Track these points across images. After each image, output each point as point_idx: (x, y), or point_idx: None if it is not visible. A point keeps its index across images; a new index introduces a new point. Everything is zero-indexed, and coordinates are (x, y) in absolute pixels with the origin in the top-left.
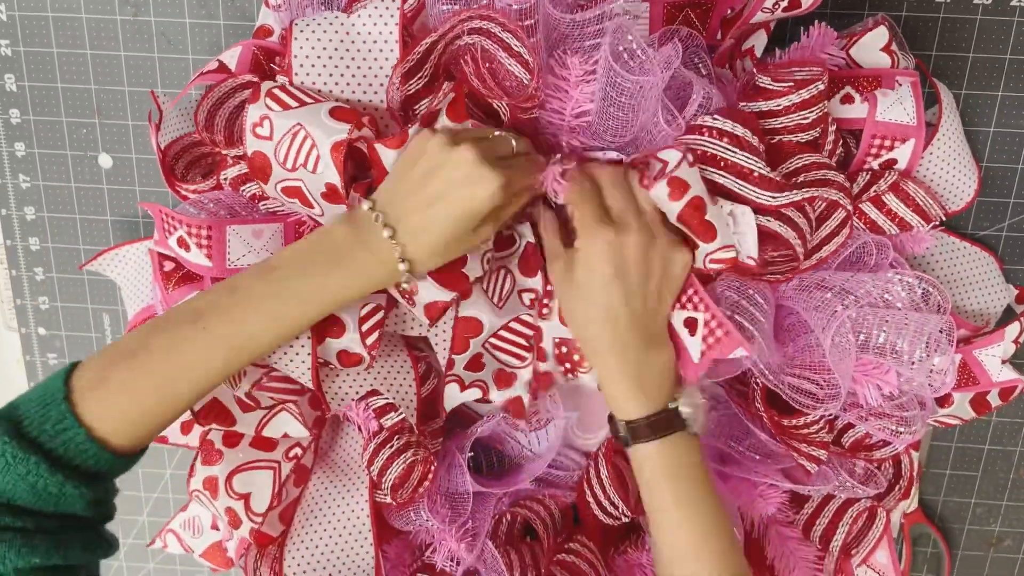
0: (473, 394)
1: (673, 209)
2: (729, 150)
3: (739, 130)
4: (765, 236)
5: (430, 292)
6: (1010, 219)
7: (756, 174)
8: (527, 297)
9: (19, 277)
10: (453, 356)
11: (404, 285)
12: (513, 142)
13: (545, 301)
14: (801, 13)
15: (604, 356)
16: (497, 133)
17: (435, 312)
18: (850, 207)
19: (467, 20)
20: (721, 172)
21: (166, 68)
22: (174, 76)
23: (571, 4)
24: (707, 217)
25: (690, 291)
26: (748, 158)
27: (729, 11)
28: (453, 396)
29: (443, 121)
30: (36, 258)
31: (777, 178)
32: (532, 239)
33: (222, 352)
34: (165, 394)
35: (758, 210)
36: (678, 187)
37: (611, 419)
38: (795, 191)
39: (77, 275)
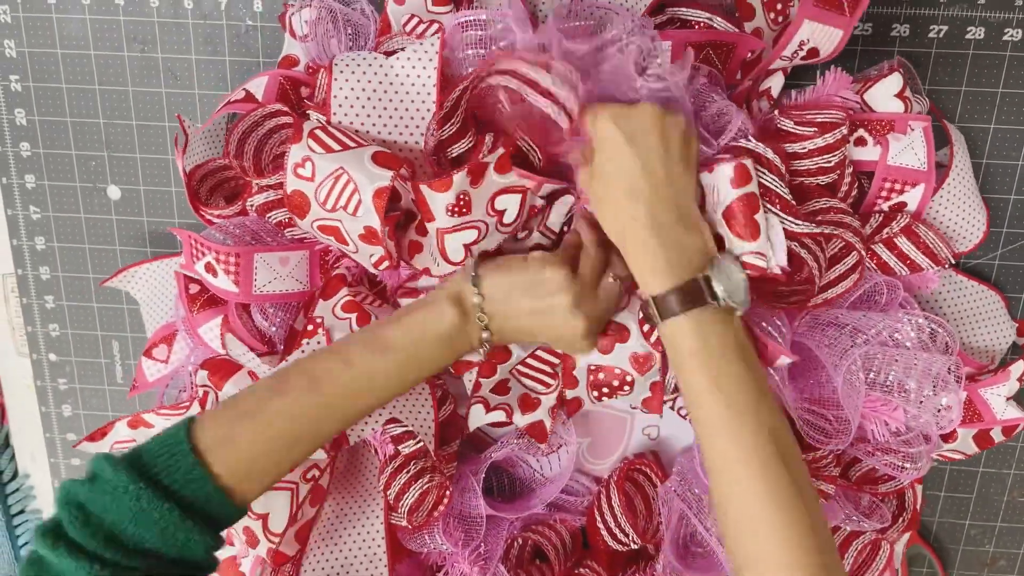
0: (497, 416)
1: (728, 196)
2: (759, 170)
3: (770, 154)
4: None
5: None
6: (1002, 248)
7: (782, 198)
8: None
9: (30, 305)
10: (480, 379)
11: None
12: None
13: None
14: (819, 62)
15: (632, 233)
16: (611, 280)
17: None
18: (864, 252)
19: (495, 63)
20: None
21: (173, 102)
22: (181, 110)
23: (585, 34)
24: (756, 216)
25: None
26: (776, 182)
27: (750, 53)
28: (478, 416)
29: (491, 176)
30: (47, 287)
31: (792, 202)
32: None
33: (339, 422)
34: (285, 455)
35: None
36: (743, 175)
37: (643, 306)
38: (815, 224)
39: (87, 303)
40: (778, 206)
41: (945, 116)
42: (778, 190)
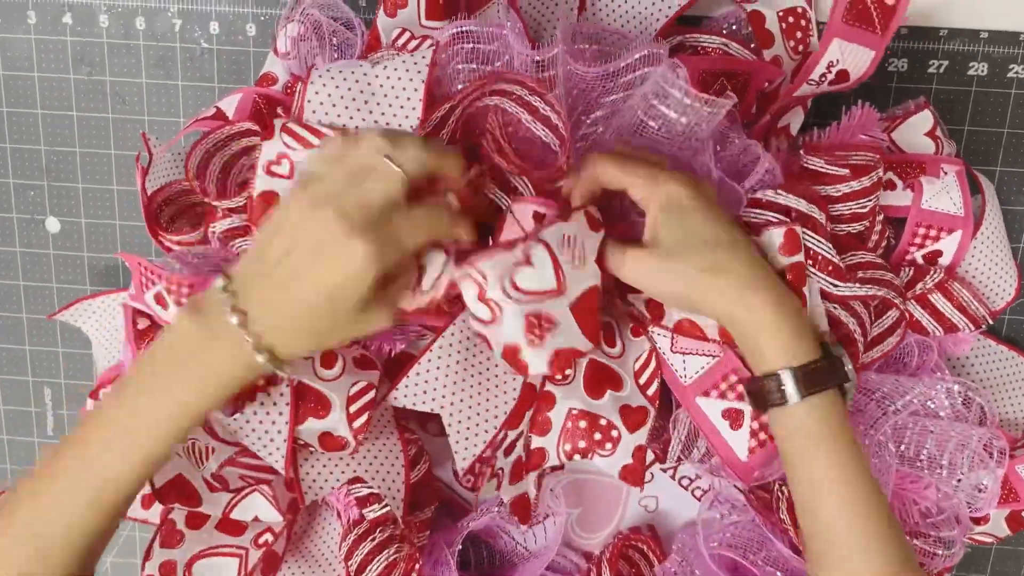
0: (491, 484)
1: (776, 264)
2: (805, 233)
3: (814, 211)
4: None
5: (566, 335)
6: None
7: (823, 258)
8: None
9: None
10: (509, 431)
11: (281, 373)
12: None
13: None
14: (848, 88)
15: (749, 299)
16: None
17: (561, 363)
18: (905, 311)
19: (491, 82)
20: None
21: (120, 128)
22: (128, 136)
23: (591, 58)
24: (804, 289)
25: (731, 377)
26: (818, 241)
27: (766, 84)
28: (488, 487)
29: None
30: None
31: (842, 266)
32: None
33: (84, 498)
34: (39, 547)
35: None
36: (793, 243)
37: (754, 383)
38: (857, 285)
39: (19, 346)
40: (824, 271)
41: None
42: (827, 254)
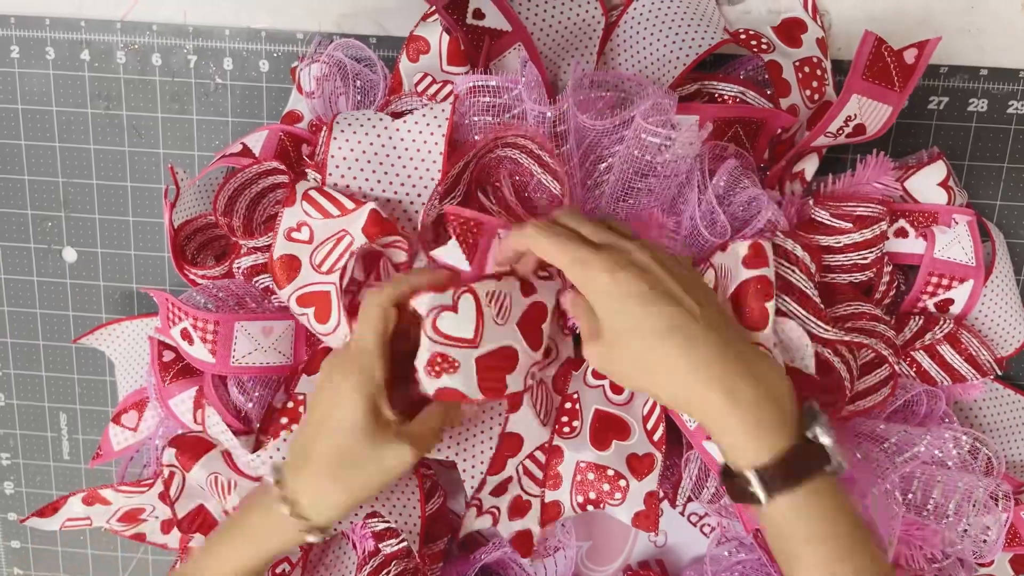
0: (485, 521)
1: (739, 276)
2: (787, 267)
3: (799, 251)
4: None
5: (462, 379)
6: None
7: (810, 299)
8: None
9: None
10: (488, 477)
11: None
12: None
13: (567, 419)
14: (865, 140)
15: (695, 391)
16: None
17: (450, 397)
18: (896, 365)
19: (502, 137)
20: (778, 292)
21: (136, 162)
22: (144, 169)
23: (600, 110)
24: (767, 304)
25: None
26: (804, 280)
27: (779, 130)
28: (469, 522)
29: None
30: None
31: (823, 308)
32: (571, 354)
33: None
34: None
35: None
36: (759, 255)
37: (726, 474)
38: (843, 331)
39: (35, 372)
40: (806, 308)
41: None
42: (806, 289)
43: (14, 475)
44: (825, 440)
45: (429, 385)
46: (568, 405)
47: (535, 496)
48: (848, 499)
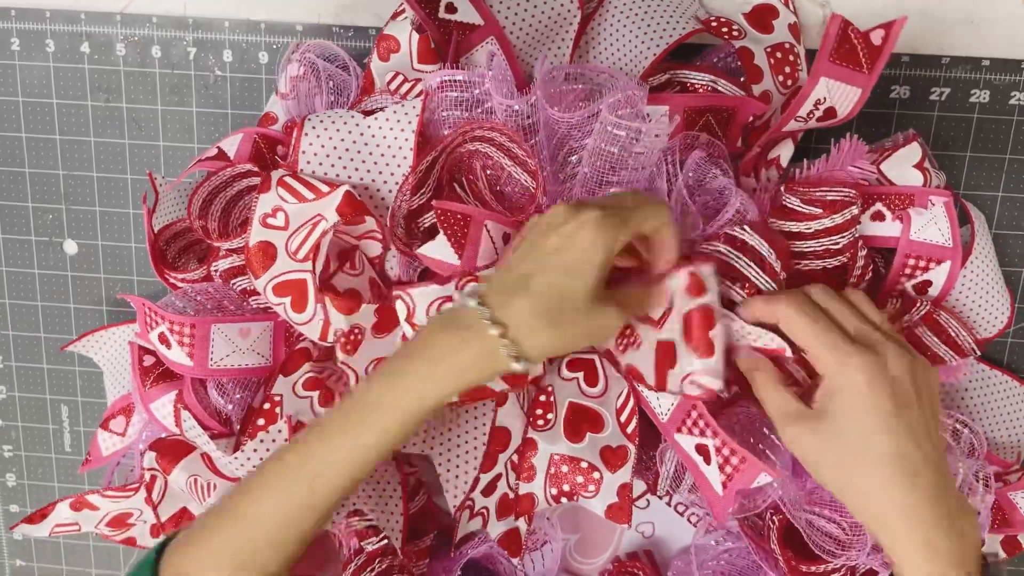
0: (476, 523)
1: (685, 305)
2: (750, 267)
3: (764, 248)
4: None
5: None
6: (1015, 325)
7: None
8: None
9: None
10: (480, 475)
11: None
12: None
13: (541, 412)
14: (835, 124)
15: (895, 525)
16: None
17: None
18: None
19: (470, 131)
20: (736, 288)
21: (136, 154)
22: (144, 162)
23: (572, 103)
24: (711, 333)
25: (693, 413)
26: (767, 282)
27: (751, 118)
28: (464, 524)
29: None
30: None
31: None
32: None
33: (297, 501)
34: (246, 545)
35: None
36: (697, 285)
37: None
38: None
39: (36, 364)
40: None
41: (951, 184)
42: (763, 286)
43: (16, 467)
44: None
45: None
46: (543, 398)
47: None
48: None
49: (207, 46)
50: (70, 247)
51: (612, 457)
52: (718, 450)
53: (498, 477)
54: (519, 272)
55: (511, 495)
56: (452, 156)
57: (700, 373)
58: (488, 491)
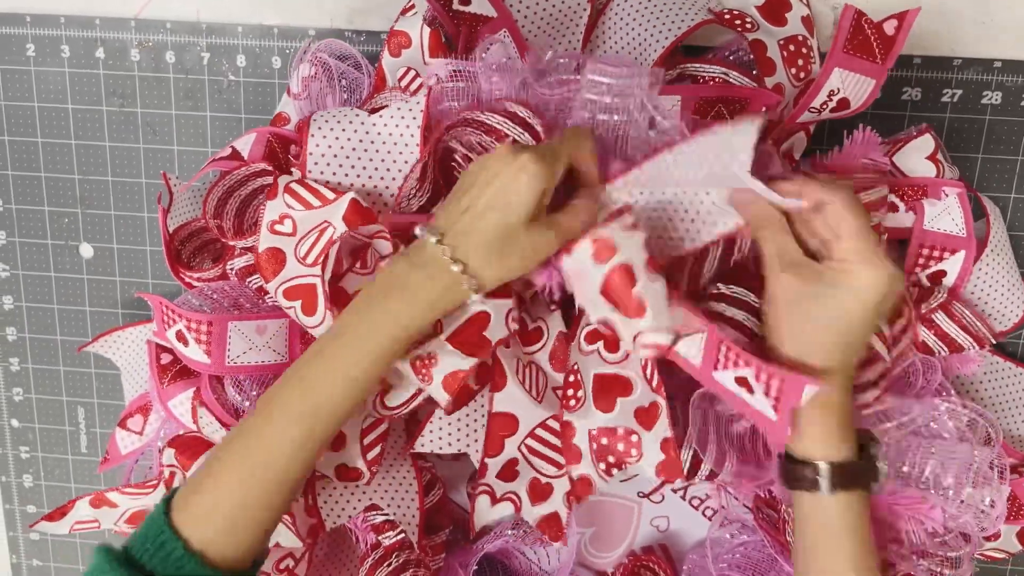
0: (505, 509)
1: (597, 275)
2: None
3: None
4: None
5: (448, 361)
6: None
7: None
8: (560, 394)
9: None
10: (486, 460)
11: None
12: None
13: (571, 392)
14: (849, 115)
15: (838, 381)
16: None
17: (455, 385)
18: (912, 312)
19: (452, 124)
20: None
21: (151, 158)
22: (158, 166)
23: (559, 81)
24: (635, 291)
25: (723, 348)
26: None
27: (763, 109)
28: (483, 511)
29: None
30: (12, 348)
31: None
32: (563, 328)
33: (296, 427)
34: (250, 492)
35: None
36: (606, 247)
37: (789, 458)
38: None
39: (53, 366)
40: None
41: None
42: None
43: (33, 468)
44: (881, 464)
45: (435, 392)
46: (571, 378)
47: (553, 477)
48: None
49: (220, 51)
50: (86, 250)
51: (645, 416)
52: (756, 377)
53: (514, 462)
54: (471, 213)
55: (543, 480)
56: (438, 155)
57: (644, 333)
58: (507, 477)
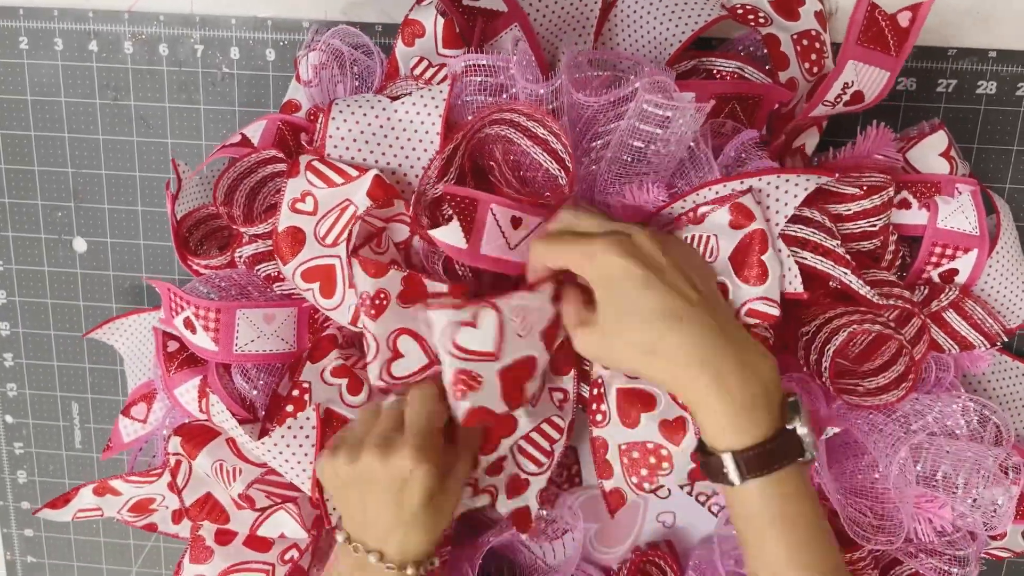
0: (482, 500)
1: (731, 240)
2: (818, 234)
3: (816, 215)
4: None
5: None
6: None
7: (850, 262)
8: (556, 397)
9: None
10: (480, 456)
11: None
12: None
13: (595, 407)
14: (862, 108)
15: (685, 372)
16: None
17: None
18: (925, 319)
19: (491, 115)
20: (816, 256)
21: (144, 151)
22: (152, 159)
23: (596, 89)
24: (764, 257)
25: None
26: (839, 246)
27: (779, 105)
28: (467, 501)
29: None
30: (6, 343)
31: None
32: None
33: None
34: None
35: None
36: (742, 214)
37: (703, 452)
38: (885, 296)
39: (47, 361)
40: (850, 268)
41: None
42: (844, 254)
43: (27, 464)
44: (802, 431)
45: (459, 409)
46: (595, 391)
47: (532, 475)
48: (812, 490)
49: (214, 43)
50: (79, 244)
51: (671, 430)
52: None
53: (502, 459)
54: (361, 516)
55: (522, 476)
56: (473, 142)
57: (756, 301)
58: (494, 472)
